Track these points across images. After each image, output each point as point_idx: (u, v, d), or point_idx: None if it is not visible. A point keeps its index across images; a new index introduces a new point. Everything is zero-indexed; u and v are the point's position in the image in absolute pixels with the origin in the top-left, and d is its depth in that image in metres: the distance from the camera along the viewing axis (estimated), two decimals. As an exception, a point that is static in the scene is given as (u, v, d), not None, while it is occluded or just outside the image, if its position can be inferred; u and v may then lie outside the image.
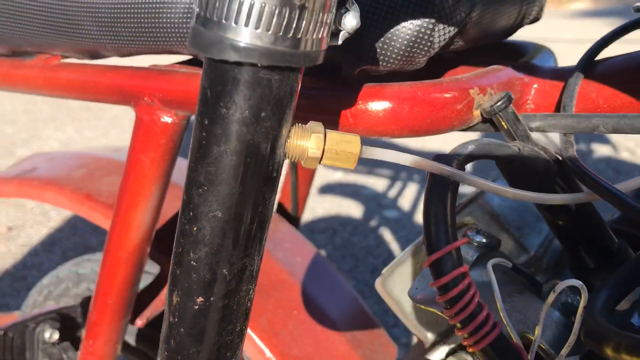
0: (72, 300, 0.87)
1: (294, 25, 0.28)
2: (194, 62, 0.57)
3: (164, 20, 0.47)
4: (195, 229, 0.32)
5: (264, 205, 0.32)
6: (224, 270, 0.32)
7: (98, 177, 0.78)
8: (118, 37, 0.51)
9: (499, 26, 0.52)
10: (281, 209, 0.86)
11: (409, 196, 2.74)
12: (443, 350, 0.46)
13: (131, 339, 0.80)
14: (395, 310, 0.50)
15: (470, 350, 0.34)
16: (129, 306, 0.63)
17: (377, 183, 2.91)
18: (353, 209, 2.65)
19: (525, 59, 0.56)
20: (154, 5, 0.47)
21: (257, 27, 0.27)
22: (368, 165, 3.16)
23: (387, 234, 2.42)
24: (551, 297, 0.35)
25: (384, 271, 0.50)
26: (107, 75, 0.55)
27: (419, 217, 2.51)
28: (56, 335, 0.74)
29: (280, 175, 0.33)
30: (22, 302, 2.08)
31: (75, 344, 0.76)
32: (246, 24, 0.27)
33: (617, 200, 0.34)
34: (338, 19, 0.32)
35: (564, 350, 0.34)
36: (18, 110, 4.49)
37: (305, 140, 0.32)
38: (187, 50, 0.49)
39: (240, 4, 0.27)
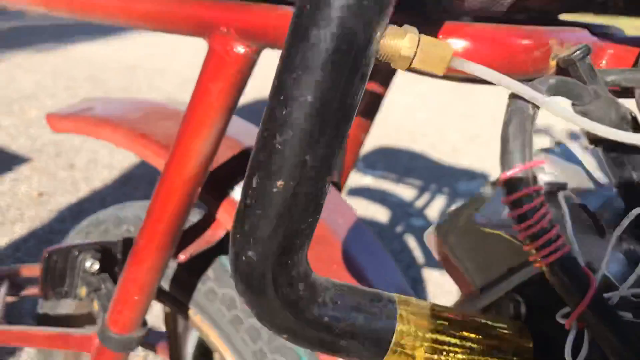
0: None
1: None
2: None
3: None
4: (284, 112, 0.32)
5: (352, 98, 0.33)
6: (307, 157, 0.33)
7: (153, 121, 0.80)
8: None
9: None
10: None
11: (437, 207, 2.73)
12: (492, 295, 0.46)
13: (167, 278, 0.81)
14: (442, 257, 0.50)
15: (538, 265, 0.34)
16: (175, 237, 0.65)
17: (406, 192, 2.91)
18: (380, 214, 2.64)
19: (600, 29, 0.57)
20: None
21: None
22: (399, 173, 3.16)
23: (411, 241, 2.41)
24: (616, 233, 0.35)
25: (430, 228, 0.51)
26: (185, 5, 0.57)
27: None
28: (96, 266, 0.76)
29: (369, 73, 0.33)
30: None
31: (114, 277, 0.78)
32: None
33: None
34: None
35: (629, 281, 0.34)
36: (59, 86, 4.58)
37: (399, 40, 0.33)
38: None
39: None
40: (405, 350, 0.39)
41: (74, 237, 0.96)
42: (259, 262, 0.35)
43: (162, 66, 5.59)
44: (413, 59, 0.33)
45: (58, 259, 0.74)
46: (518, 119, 0.36)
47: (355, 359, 0.40)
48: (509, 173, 0.35)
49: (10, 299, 1.26)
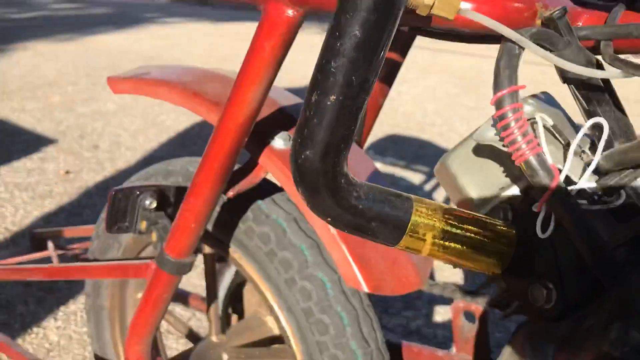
0: (162, 190, 1.01)
1: None
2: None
3: None
4: (338, 44, 0.45)
5: (388, 35, 0.46)
6: (353, 77, 0.46)
7: (204, 82, 0.93)
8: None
9: None
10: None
11: (444, 192, 2.85)
12: (487, 207, 0.59)
13: (211, 220, 0.94)
14: (450, 187, 0.63)
15: (517, 161, 0.47)
16: (227, 174, 0.78)
17: (415, 177, 3.04)
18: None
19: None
20: None
21: None
22: (408, 160, 3.29)
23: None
24: (578, 137, 0.48)
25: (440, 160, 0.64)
26: (244, -23, 0.70)
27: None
28: (154, 204, 0.89)
29: (399, 17, 0.46)
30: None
31: (168, 216, 0.91)
32: None
33: None
34: None
35: (585, 177, 0.47)
36: (80, 73, 4.73)
37: (422, -7, 0.46)
38: None
39: None
40: (418, 235, 0.52)
41: (125, 189, 1.09)
42: (314, 159, 0.48)
43: (180, 57, 5.73)
44: (432, 5, 0.46)
45: (122, 198, 0.87)
46: (507, 57, 0.49)
47: (380, 239, 0.52)
48: (499, 94, 0.48)
49: (58, 251, 1.41)
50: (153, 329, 0.93)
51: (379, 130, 3.81)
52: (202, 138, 3.41)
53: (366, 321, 0.91)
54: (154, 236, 0.87)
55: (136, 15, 8.58)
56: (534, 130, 0.53)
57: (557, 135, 0.54)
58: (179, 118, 3.76)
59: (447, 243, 0.53)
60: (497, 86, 0.48)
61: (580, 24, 0.63)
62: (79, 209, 2.47)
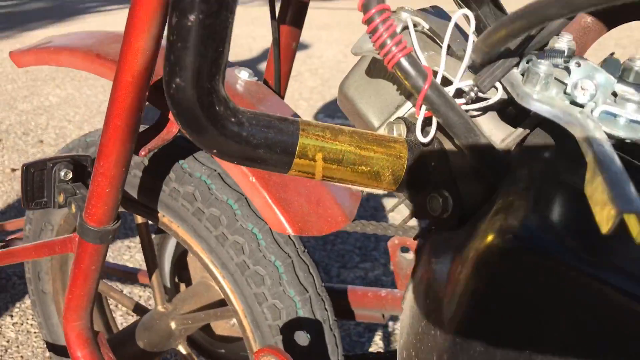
0: (81, 163, 0.98)
1: None
2: None
3: None
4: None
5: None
6: (210, -6, 0.44)
7: (106, 44, 0.90)
8: None
9: None
10: (267, 86, 0.98)
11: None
12: (384, 127, 0.58)
13: (134, 187, 0.92)
14: (349, 108, 0.62)
15: (389, 65, 0.46)
16: (133, 131, 0.75)
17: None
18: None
19: None
20: None
21: None
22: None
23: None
24: (453, 20, 0.47)
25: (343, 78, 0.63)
26: None
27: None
28: (70, 174, 0.87)
29: None
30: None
31: (86, 186, 0.89)
32: None
33: None
34: None
35: (459, 76, 0.47)
36: (18, 70, 4.58)
37: None
38: None
39: None
40: (308, 157, 0.51)
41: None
42: (186, 87, 0.46)
43: (120, 43, 5.58)
44: None
45: (35, 172, 0.85)
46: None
47: (271, 166, 0.51)
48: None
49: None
50: (88, 303, 0.91)
51: (328, 92, 3.80)
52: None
53: (302, 268, 0.91)
54: (73, 208, 0.85)
55: (75, 7, 8.33)
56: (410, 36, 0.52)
57: (436, 40, 0.53)
58: (125, 104, 3.67)
59: (338, 163, 0.52)
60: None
61: None
62: (27, 205, 2.40)
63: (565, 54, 0.47)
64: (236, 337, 1.27)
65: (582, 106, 0.45)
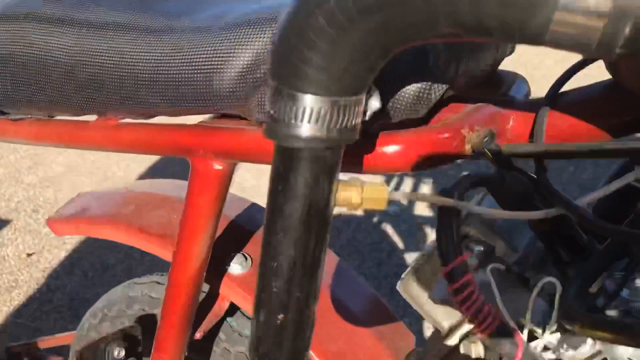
0: (126, 321, 0.98)
1: (340, 119, 0.40)
2: (232, 115, 0.68)
3: (217, 86, 0.58)
4: (275, 265, 0.44)
5: (322, 242, 0.44)
6: (297, 294, 0.44)
7: (145, 212, 0.90)
8: (174, 103, 0.62)
9: (482, 69, 0.64)
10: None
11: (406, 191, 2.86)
12: (456, 336, 0.58)
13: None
14: (416, 307, 0.62)
15: (481, 336, 0.46)
16: (190, 322, 0.76)
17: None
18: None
19: (504, 90, 0.69)
20: (207, 75, 0.58)
21: (315, 124, 0.39)
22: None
23: (389, 229, 2.55)
24: (535, 291, 0.47)
25: (403, 276, 0.63)
26: (165, 133, 0.67)
27: (416, 210, 2.64)
28: (122, 353, 0.87)
29: (331, 221, 0.45)
30: (52, 324, 2.20)
31: (139, 357, 0.89)
32: (308, 122, 0.39)
33: (578, 214, 0.46)
34: (366, 103, 0.44)
35: (548, 329, 0.47)
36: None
37: (349, 192, 0.44)
38: (237, 111, 0.60)
39: (304, 110, 0.39)
40: None
41: (89, 319, 1.05)
42: None
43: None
44: (361, 203, 0.45)
45: (89, 356, 0.84)
46: (446, 222, 0.48)
47: None
48: (447, 269, 0.46)
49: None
50: None
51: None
52: (158, 185, 3.34)
53: None
54: (129, 385, 0.85)
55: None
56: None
57: (508, 272, 0.54)
58: (129, 166, 3.67)
59: None
60: (444, 258, 0.47)
61: (508, 128, 0.62)
62: (48, 295, 2.40)
63: None
64: None
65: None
